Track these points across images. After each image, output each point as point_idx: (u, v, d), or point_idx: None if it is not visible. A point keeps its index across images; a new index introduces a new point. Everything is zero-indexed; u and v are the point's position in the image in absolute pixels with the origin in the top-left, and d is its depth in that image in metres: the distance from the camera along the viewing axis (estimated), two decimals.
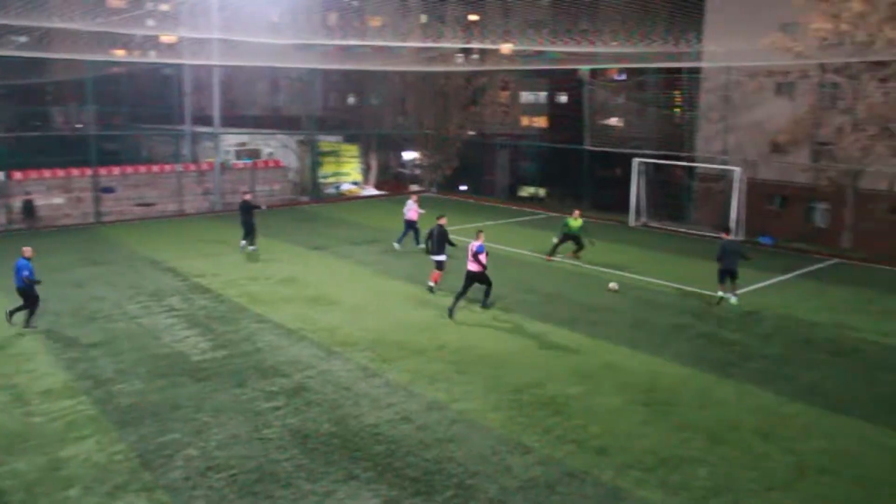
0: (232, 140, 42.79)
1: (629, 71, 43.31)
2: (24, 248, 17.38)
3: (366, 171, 48.35)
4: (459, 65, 44.27)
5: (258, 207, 26.58)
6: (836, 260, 26.21)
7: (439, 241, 20.80)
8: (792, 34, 29.38)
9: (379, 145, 47.81)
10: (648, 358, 15.64)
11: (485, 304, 19.11)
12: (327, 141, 46.32)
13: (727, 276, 19.75)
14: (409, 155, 47.48)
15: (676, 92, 37.10)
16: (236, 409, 12.89)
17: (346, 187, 44.18)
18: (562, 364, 15.20)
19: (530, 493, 10.21)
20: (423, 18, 46.78)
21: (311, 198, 40.11)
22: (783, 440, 11.91)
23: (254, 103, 59.51)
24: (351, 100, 64.50)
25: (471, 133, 45.49)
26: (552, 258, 25.04)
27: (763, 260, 25.70)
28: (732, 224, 28.77)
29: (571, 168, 39.33)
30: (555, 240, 25.16)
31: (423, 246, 23.99)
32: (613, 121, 44.79)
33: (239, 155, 42.11)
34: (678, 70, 35.19)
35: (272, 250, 25.97)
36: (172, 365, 14.97)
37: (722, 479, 10.65)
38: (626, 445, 11.62)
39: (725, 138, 33.66)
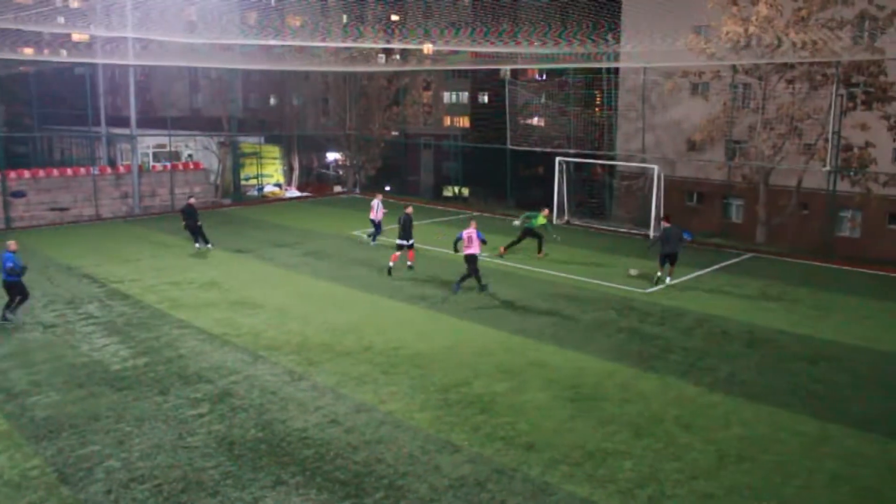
0: (150, 142, 41.76)
1: (550, 71, 43.93)
2: (9, 242, 18.06)
3: (288, 172, 47.87)
4: (381, 65, 44.21)
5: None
6: (750, 254, 27.08)
7: (405, 227, 23.00)
8: (705, 36, 30.31)
9: (301, 146, 47.42)
10: (573, 354, 15.89)
11: (482, 288, 20.74)
12: (248, 142, 45.69)
13: (667, 259, 21.74)
14: (332, 156, 47.16)
15: (596, 92, 37.81)
16: (159, 417, 12.58)
17: (268, 189, 43.67)
18: (488, 362, 15.32)
19: (460, 492, 10.26)
20: (345, 18, 46.51)
21: (232, 200, 39.52)
22: (704, 430, 12.26)
23: (172, 104, 58.11)
24: (272, 100, 63.74)
25: (394, 133, 45.50)
26: (506, 252, 25.59)
27: (682, 256, 26.39)
28: (652, 220, 29.47)
29: (494, 167, 39.71)
30: (518, 232, 25.85)
31: (374, 243, 26.44)
32: (535, 120, 45.39)
33: (157, 157, 41.13)
34: (597, 70, 35.87)
35: (195, 254, 25.45)
36: (91, 374, 14.51)
37: (647, 470, 10.89)
38: (553, 441, 11.78)
39: (644, 137, 34.44)
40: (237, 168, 41.04)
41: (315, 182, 48.70)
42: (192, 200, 27.19)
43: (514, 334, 17.16)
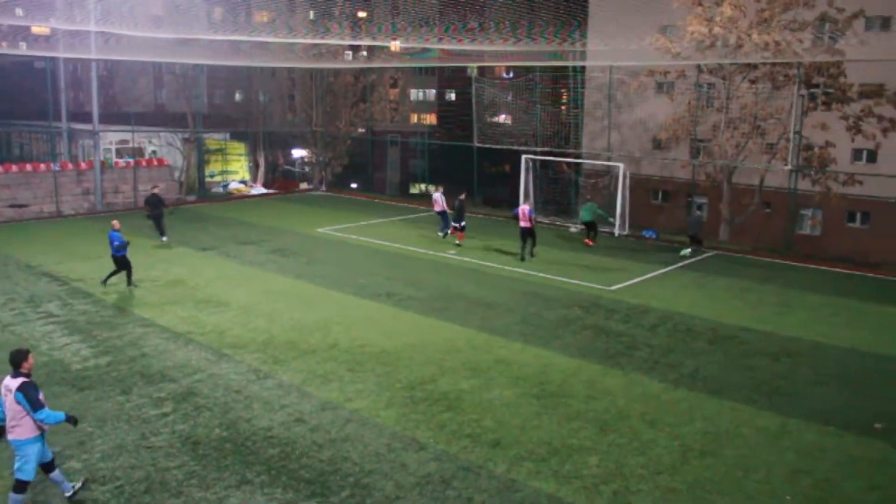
0: (113, 138, 41.16)
1: (517, 69, 44.03)
2: (113, 221, 20.55)
3: (254, 169, 47.49)
4: (348, 62, 44.01)
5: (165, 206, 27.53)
6: (714, 252, 27.40)
7: (459, 211, 27.16)
8: (670, 36, 30.60)
9: (267, 143, 47.02)
10: (539, 351, 15.96)
11: (532, 254, 25.04)
12: (214, 138, 45.23)
13: (691, 238, 26.60)
14: (298, 152, 46.85)
15: (563, 90, 38.00)
16: (121, 417, 12.41)
17: (233, 186, 43.27)
18: (454, 359, 15.33)
19: (426, 489, 10.26)
20: (311, 15, 46.23)
21: (197, 197, 39.08)
22: (668, 426, 12.38)
23: (136, 100, 57.33)
24: (238, 96, 63.17)
25: (360, 130, 45.32)
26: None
27: (647, 253, 26.68)
28: (617, 219, 29.71)
29: (461, 165, 39.72)
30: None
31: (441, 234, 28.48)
32: (502, 118, 45.51)
33: (120, 153, 40.56)
34: (564, 69, 36.05)
35: (157, 252, 25.16)
36: (51, 374, 14.27)
37: (612, 465, 10.98)
38: (519, 438, 11.82)
39: (610, 135, 34.68)
40: (202, 164, 40.60)
41: (281, 179, 48.31)
42: (158, 189, 27.61)
43: (481, 332, 17.19)
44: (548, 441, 11.72)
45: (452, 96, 77.03)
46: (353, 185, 45.47)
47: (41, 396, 9.27)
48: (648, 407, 13.16)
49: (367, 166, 46.23)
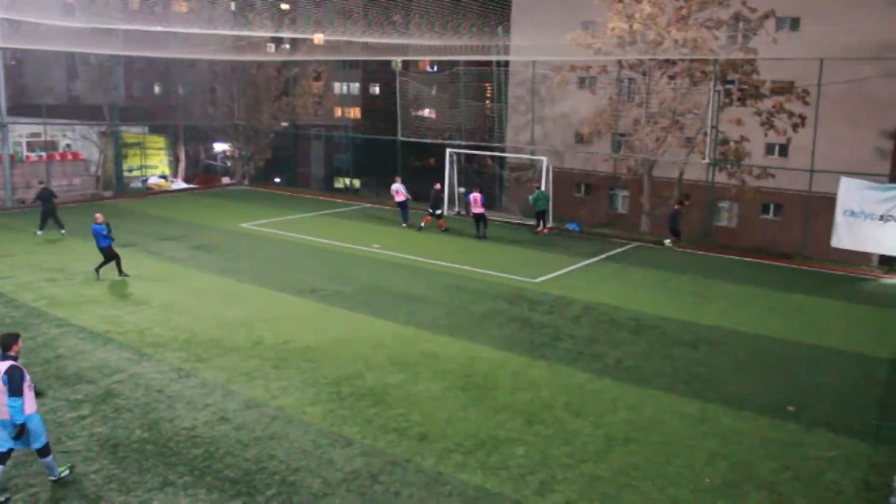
0: (23, 130, 39.58)
1: (441, 63, 44.11)
2: (97, 215, 20.92)
3: (174, 163, 46.39)
4: (270, 54, 43.35)
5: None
6: (636, 243, 27.98)
7: (435, 200, 29.07)
8: (592, 32, 31.08)
9: (188, 137, 45.97)
10: (465, 344, 16.03)
11: (482, 236, 27.76)
12: (132, 132, 43.95)
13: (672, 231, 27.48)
14: (219, 146, 45.94)
15: (487, 84, 38.21)
16: None
17: (153, 181, 42.16)
18: (380, 354, 15.28)
19: (353, 485, 10.19)
20: (233, 6, 45.39)
21: (115, 192, 37.95)
22: (593, 415, 12.59)
23: (48, 91, 55.33)
24: (157, 89, 61.58)
25: (283, 124, 44.73)
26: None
27: (571, 245, 27.07)
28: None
29: (386, 159, 39.56)
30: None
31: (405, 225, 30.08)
32: (426, 112, 45.52)
33: (32, 147, 39.04)
34: (488, 63, 36.25)
35: (73, 249, 24.35)
36: None
37: (538, 456, 11.10)
38: (446, 431, 11.85)
39: (533, 129, 35.04)
40: (120, 159, 39.42)
41: (202, 173, 47.33)
42: (45, 183, 28.54)
43: (407, 326, 17.17)
44: (474, 433, 11.78)
45: (377, 90, 76.73)
46: (277, 180, 44.85)
47: (26, 384, 9.60)
48: (573, 397, 13.35)
49: (290, 161, 45.64)
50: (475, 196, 28.11)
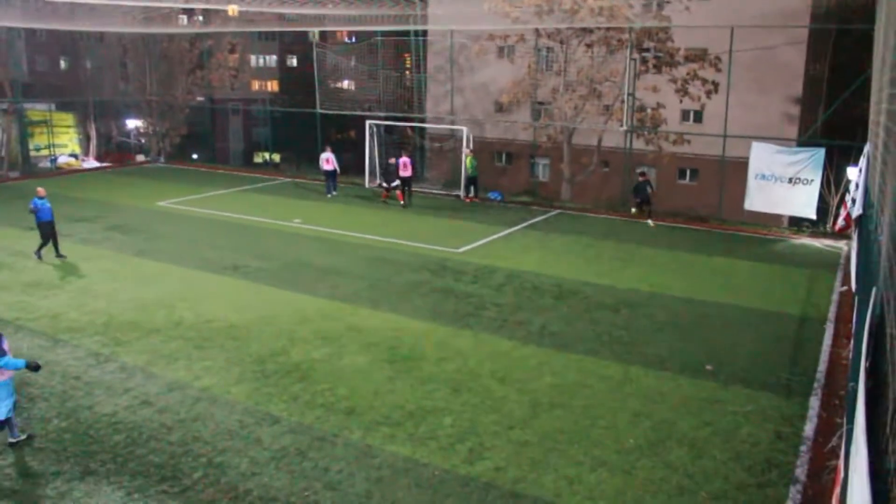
0: None
1: (359, 34, 43.54)
2: (38, 189, 20.70)
3: (85, 141, 44.68)
4: (182, 26, 42.02)
5: None
6: (557, 211, 28.30)
7: (387, 172, 29.27)
8: (510, 1, 31.04)
9: (98, 113, 44.30)
10: (390, 316, 16.00)
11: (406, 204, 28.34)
12: (37, 109, 42.09)
13: (642, 204, 26.41)
14: (132, 123, 44.44)
15: (406, 55, 37.91)
16: None
17: (63, 160, 40.54)
18: (304, 329, 15.13)
19: (282, 463, 10.10)
20: None
21: (21, 173, 36.40)
22: (518, 382, 12.74)
23: None
24: (63, 64, 59.12)
25: (199, 99, 43.55)
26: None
27: (493, 214, 27.23)
28: (463, 181, 30.12)
29: (306, 132, 39.00)
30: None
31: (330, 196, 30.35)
32: (345, 84, 44.92)
33: None
34: (406, 33, 35.94)
35: None
36: None
37: (466, 424, 11.19)
38: (373, 404, 11.83)
39: (453, 99, 34.97)
40: (25, 137, 37.73)
41: (115, 151, 45.71)
42: None
43: (331, 300, 17.03)
44: (402, 405, 11.79)
45: (294, 62, 75.38)
46: (195, 156, 43.74)
47: (4, 345, 10.29)
48: (499, 365, 13.48)
49: (207, 136, 44.56)
50: (405, 160, 28.68)
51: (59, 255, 20.41)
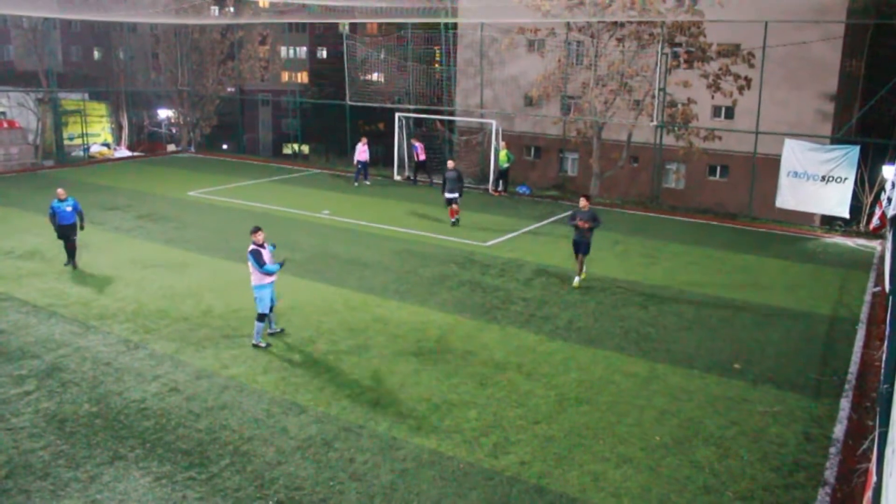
0: None
1: (389, 26, 43.57)
2: (58, 190, 18.94)
3: (117, 131, 45.18)
4: (214, 18, 42.29)
5: None
6: None
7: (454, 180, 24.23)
8: None
9: (131, 103, 44.74)
10: (416, 308, 16.03)
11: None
12: (71, 99, 42.61)
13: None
14: (164, 113, 44.84)
15: (435, 47, 37.83)
16: None
17: (96, 149, 41.03)
18: (332, 320, 15.20)
19: (308, 452, 10.17)
20: None
21: (56, 162, 36.89)
22: (544, 377, 12.72)
23: None
24: (97, 54, 59.83)
25: (229, 89, 43.82)
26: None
27: (521, 208, 27.15)
28: (492, 175, 30.08)
29: (335, 124, 39.12)
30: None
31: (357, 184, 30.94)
32: (375, 76, 44.97)
33: None
34: (436, 26, 35.87)
35: (12, 221, 23.65)
36: None
37: (491, 418, 11.19)
38: (399, 396, 11.87)
39: (482, 92, 34.88)
40: (59, 127, 38.21)
41: (147, 141, 46.18)
42: None
43: (358, 291, 17.09)
44: (427, 398, 11.81)
45: (324, 54, 75.56)
46: (224, 147, 44.05)
47: (265, 256, 13.87)
48: (525, 359, 13.46)
49: (237, 127, 44.83)
50: (421, 145, 30.72)
51: (68, 263, 18.75)
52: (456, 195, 23.99)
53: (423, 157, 31.22)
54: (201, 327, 14.74)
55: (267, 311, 13.77)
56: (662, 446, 10.49)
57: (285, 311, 15.59)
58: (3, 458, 9.94)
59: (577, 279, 18.00)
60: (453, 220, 24.00)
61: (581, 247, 17.96)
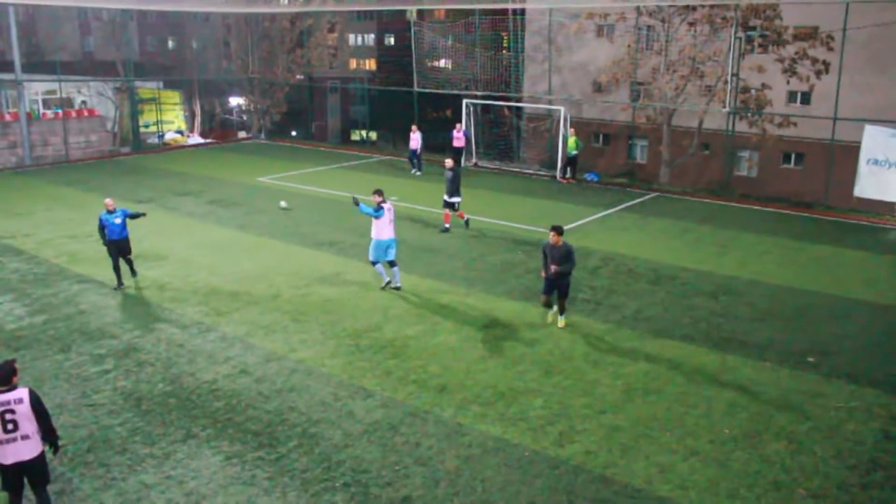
0: (38, 88, 39.61)
1: (456, 13, 43.47)
2: (107, 201, 16.69)
3: (190, 118, 46.30)
4: (283, 6, 42.87)
5: None
6: (655, 194, 27.73)
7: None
8: None
9: (203, 91, 45.78)
10: (483, 295, 16.04)
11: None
12: (147, 88, 43.81)
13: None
14: (235, 100, 45.71)
15: (503, 34, 37.64)
16: (61, 376, 12.14)
17: (170, 136, 42.14)
18: (399, 306, 15.33)
19: (374, 436, 10.30)
20: None
21: (132, 149, 38.00)
22: (611, 366, 12.61)
23: (62, 47, 55.13)
24: (171, 44, 61.25)
25: (299, 77, 44.41)
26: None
27: (589, 196, 26.89)
28: (559, 162, 29.86)
29: (402, 110, 39.28)
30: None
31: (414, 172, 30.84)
32: (442, 62, 45.02)
33: (48, 104, 39.09)
34: (504, 12, 35.67)
35: (92, 206, 24.39)
36: None
37: (557, 406, 11.15)
38: (465, 382, 11.92)
39: (550, 79, 34.58)
40: (136, 115, 39.33)
41: (218, 128, 47.23)
42: None
43: (425, 277, 17.19)
44: (493, 385, 11.83)
45: (392, 41, 75.83)
46: (293, 133, 44.68)
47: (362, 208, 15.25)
48: (592, 348, 13.36)
49: (306, 114, 45.43)
50: (459, 133, 31.29)
51: (119, 286, 16.37)
52: (458, 199, 21.49)
53: (460, 143, 31.36)
54: (271, 311, 15.04)
55: (375, 260, 16.09)
56: (732, 439, 10.30)
57: (352, 297, 15.79)
58: (84, 433, 10.34)
59: (560, 318, 14.31)
60: (464, 219, 21.78)
61: (558, 287, 14.05)
